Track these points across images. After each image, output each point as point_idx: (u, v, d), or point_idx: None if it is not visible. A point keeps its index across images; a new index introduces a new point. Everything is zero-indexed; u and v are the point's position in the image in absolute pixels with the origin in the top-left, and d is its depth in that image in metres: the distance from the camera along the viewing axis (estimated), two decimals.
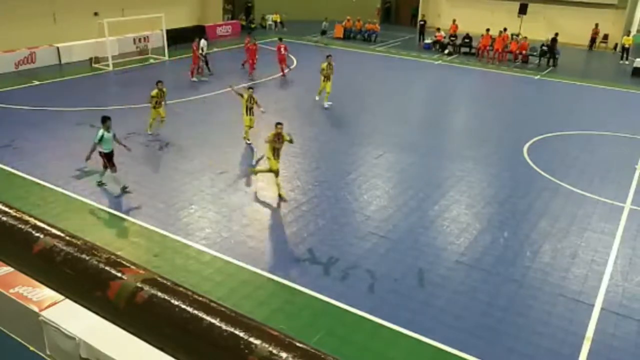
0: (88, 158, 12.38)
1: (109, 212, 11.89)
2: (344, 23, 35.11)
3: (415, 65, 28.62)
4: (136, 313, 1.33)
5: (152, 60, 26.68)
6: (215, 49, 28.07)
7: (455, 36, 32.20)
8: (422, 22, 35.39)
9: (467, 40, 31.69)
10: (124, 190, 12.62)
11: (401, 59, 30.05)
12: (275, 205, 12.53)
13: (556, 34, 29.57)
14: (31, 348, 5.72)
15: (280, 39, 25.29)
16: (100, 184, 12.84)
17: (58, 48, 25.18)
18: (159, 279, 1.38)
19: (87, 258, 1.44)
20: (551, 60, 29.46)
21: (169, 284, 1.37)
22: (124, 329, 1.40)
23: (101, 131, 12.12)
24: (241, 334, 1.21)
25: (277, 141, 12.46)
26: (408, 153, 15.98)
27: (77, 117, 17.82)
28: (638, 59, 27.95)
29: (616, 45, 33.66)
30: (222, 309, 1.29)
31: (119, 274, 1.39)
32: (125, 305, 1.34)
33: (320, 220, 11.86)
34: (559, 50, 29.51)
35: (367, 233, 11.37)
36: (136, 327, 1.36)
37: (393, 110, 20.56)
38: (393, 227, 11.69)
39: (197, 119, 18.20)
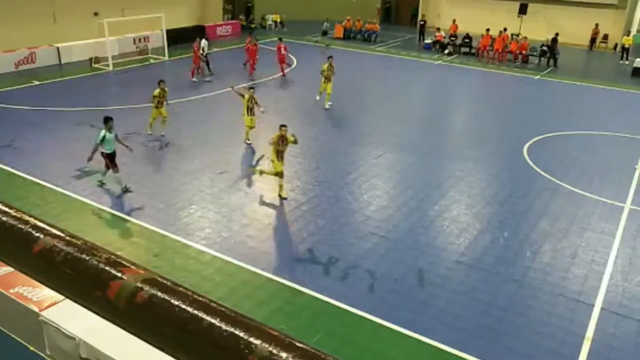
0: (90, 159, 12.36)
1: (109, 212, 11.88)
2: (344, 23, 35.12)
3: (415, 65, 28.62)
4: (136, 313, 1.33)
5: (152, 60, 26.69)
6: (215, 49, 28.05)
7: (455, 36, 32.20)
8: (422, 22, 35.39)
9: (467, 40, 31.69)
10: (125, 190, 12.62)
11: (401, 59, 30.05)
12: (275, 205, 12.52)
13: (556, 34, 29.56)
14: (31, 348, 5.72)
15: (280, 39, 25.30)
16: (101, 183, 12.84)
17: (58, 48, 25.18)
18: (159, 279, 1.38)
19: (87, 258, 1.44)
20: (551, 60, 29.45)
21: (169, 284, 1.37)
22: (124, 329, 1.40)
23: (103, 132, 12.11)
24: (241, 334, 1.21)
25: (281, 143, 12.39)
26: (408, 153, 15.98)
27: (77, 117, 17.83)
28: (638, 59, 27.96)
29: (616, 45, 33.66)
30: (222, 309, 1.29)
31: (119, 274, 1.39)
32: (125, 305, 1.34)
33: (320, 220, 11.86)
34: (559, 51, 29.51)
35: (367, 233, 11.38)
36: (136, 327, 1.36)
37: (393, 110, 20.56)
38: (393, 227, 11.69)
39: (197, 119, 18.20)
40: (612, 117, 20.71)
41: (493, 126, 19.50)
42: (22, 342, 5.75)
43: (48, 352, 5.63)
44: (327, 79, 19.36)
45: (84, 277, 1.42)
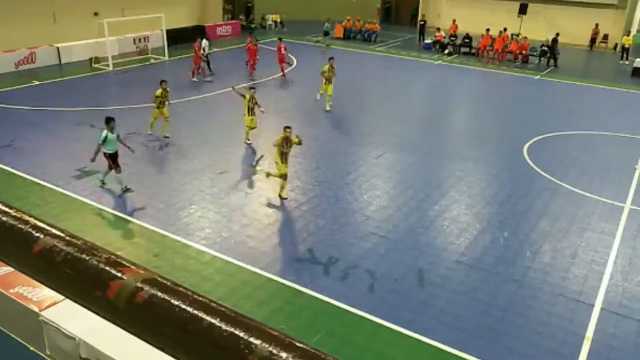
0: (93, 160, 12.33)
1: (109, 212, 11.88)
2: (344, 23, 35.12)
3: (415, 65, 28.62)
4: (136, 313, 1.33)
5: (152, 60, 26.69)
6: (215, 49, 28.04)
7: (455, 36, 32.20)
8: (422, 22, 35.40)
9: (467, 40, 31.70)
10: (125, 190, 12.62)
11: (401, 59, 30.05)
12: (275, 205, 12.52)
13: (557, 34, 29.56)
14: (31, 348, 5.72)
15: (280, 39, 25.30)
16: (102, 183, 12.83)
17: (58, 48, 25.19)
18: (159, 279, 1.38)
19: (87, 258, 1.44)
20: (551, 60, 29.45)
21: (169, 284, 1.37)
22: (124, 329, 1.40)
23: (105, 132, 12.11)
24: (241, 334, 1.21)
25: (285, 145, 12.34)
26: (408, 153, 15.98)
27: (77, 117, 17.83)
28: (638, 59, 27.96)
29: (616, 45, 33.66)
30: (222, 309, 1.29)
31: (119, 274, 1.39)
32: (125, 305, 1.34)
33: (320, 220, 11.86)
34: (559, 51, 29.51)
35: (367, 233, 11.38)
36: (136, 327, 1.36)
37: (393, 110, 20.56)
38: (393, 227, 11.69)
39: (197, 119, 18.20)
40: (612, 117, 20.71)
41: (493, 126, 19.50)
42: (22, 342, 5.75)
43: (48, 352, 5.64)
44: (328, 81, 19.33)
45: (84, 277, 1.42)
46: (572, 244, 11.30)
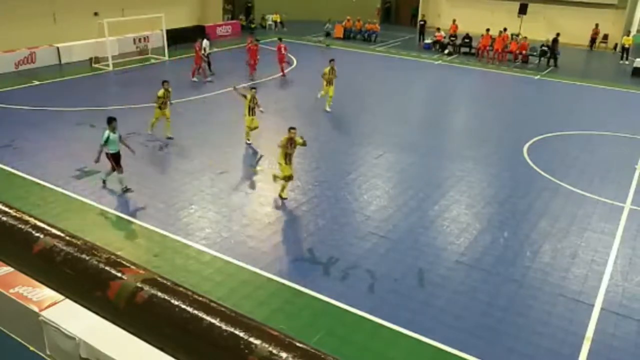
0: (97, 160, 12.33)
1: (109, 212, 11.88)
2: (344, 23, 35.11)
3: (415, 65, 28.62)
4: (136, 313, 1.33)
5: (152, 60, 26.69)
6: (216, 49, 28.03)
7: (455, 36, 32.20)
8: (422, 22, 35.39)
9: (467, 40, 31.70)
10: (125, 190, 12.62)
11: (401, 59, 30.05)
12: (275, 205, 12.52)
13: (557, 34, 29.56)
14: (31, 348, 5.72)
15: (280, 39, 25.30)
16: (104, 182, 12.83)
17: (58, 48, 25.18)
18: (159, 279, 1.38)
19: (87, 258, 1.44)
20: (552, 60, 29.45)
21: (169, 284, 1.37)
22: (124, 329, 1.40)
23: (107, 132, 12.11)
24: (241, 334, 1.21)
25: (289, 146, 12.30)
26: (408, 153, 15.98)
27: (77, 117, 17.83)
28: (638, 59, 27.95)
29: (616, 45, 33.66)
30: (222, 309, 1.29)
31: (119, 274, 1.39)
32: (125, 305, 1.34)
33: (320, 220, 11.86)
34: (559, 51, 29.51)
35: (367, 233, 11.38)
36: (136, 327, 1.36)
37: (393, 110, 20.56)
38: (393, 227, 11.69)
39: (197, 119, 18.20)
40: (612, 117, 20.71)
41: (493, 126, 19.50)
42: (22, 342, 5.75)
43: (48, 352, 5.64)
44: (329, 82, 19.32)
45: (84, 277, 1.42)
46: (572, 244, 11.30)
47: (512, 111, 21.57)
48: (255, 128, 15.92)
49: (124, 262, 1.43)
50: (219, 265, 10.06)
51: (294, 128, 12.42)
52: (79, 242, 1.49)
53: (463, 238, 11.36)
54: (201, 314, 1.27)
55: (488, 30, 30.24)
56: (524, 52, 29.86)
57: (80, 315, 4.16)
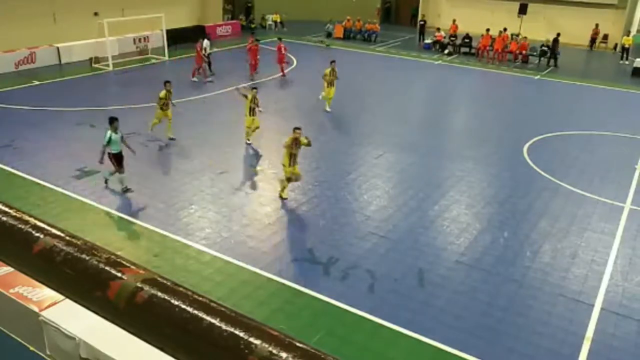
0: (101, 161, 12.30)
1: (109, 212, 11.88)
2: (344, 23, 35.12)
3: (415, 65, 28.62)
4: (136, 313, 1.33)
5: (152, 60, 26.69)
6: (216, 49, 28.03)
7: (455, 36, 32.20)
8: (422, 22, 35.40)
9: (467, 40, 31.70)
10: (125, 190, 12.62)
11: (401, 59, 30.05)
12: (275, 205, 12.52)
13: (558, 34, 29.55)
14: (31, 348, 5.72)
15: (280, 39, 25.30)
16: (106, 182, 12.83)
17: (58, 48, 25.18)
18: (159, 279, 1.38)
19: (87, 258, 1.44)
20: (552, 60, 29.45)
21: (169, 284, 1.37)
22: (124, 329, 1.40)
23: (109, 132, 12.09)
24: (241, 334, 1.21)
25: (294, 147, 12.26)
26: (408, 153, 15.98)
27: (77, 117, 17.83)
28: (638, 59, 27.95)
29: (616, 45, 33.66)
30: (222, 309, 1.29)
31: (119, 274, 1.39)
32: (125, 305, 1.34)
33: (320, 220, 11.86)
34: (559, 51, 29.50)
35: (367, 233, 11.37)
36: (136, 327, 1.36)
37: (393, 110, 20.56)
38: (393, 227, 11.69)
39: (197, 119, 18.20)
40: (612, 117, 20.71)
41: (493, 126, 19.50)
42: (22, 342, 5.75)
43: (48, 352, 5.64)
44: (330, 84, 19.31)
45: (84, 277, 1.42)
46: (572, 244, 11.30)
47: (512, 111, 21.57)
48: (257, 128, 15.93)
49: (124, 262, 1.43)
50: (219, 265, 10.06)
51: (299, 128, 12.38)
52: (79, 242, 1.49)
53: (463, 238, 11.36)
54: (201, 314, 1.27)
55: (488, 30, 30.24)
56: (524, 52, 29.86)
57: (80, 315, 4.16)
